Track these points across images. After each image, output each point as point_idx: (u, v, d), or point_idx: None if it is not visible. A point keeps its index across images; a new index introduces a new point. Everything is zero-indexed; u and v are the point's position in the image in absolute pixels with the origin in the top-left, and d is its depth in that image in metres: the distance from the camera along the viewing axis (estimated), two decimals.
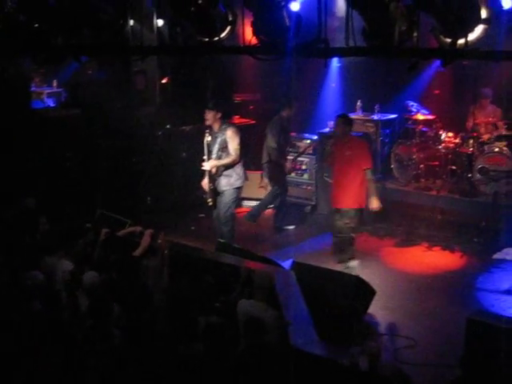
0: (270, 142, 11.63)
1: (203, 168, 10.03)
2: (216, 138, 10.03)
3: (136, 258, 7.47)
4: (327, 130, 12.96)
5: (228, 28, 6.93)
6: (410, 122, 12.94)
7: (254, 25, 6.48)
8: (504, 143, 11.82)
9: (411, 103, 12.91)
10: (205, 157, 10.02)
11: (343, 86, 14.31)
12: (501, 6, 8.59)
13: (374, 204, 10.02)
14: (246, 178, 10.40)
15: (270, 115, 12.37)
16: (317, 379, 6.30)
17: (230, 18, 6.91)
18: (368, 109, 13.35)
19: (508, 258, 10.72)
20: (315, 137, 12.96)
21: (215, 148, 10.01)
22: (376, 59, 6.30)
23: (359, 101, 13.38)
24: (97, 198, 11.22)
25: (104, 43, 7.45)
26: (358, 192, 9.90)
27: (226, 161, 10.05)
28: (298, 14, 6.60)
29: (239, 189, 10.28)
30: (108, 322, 6.21)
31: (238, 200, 10.56)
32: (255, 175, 13.25)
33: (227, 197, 10.12)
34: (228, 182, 10.09)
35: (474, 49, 5.66)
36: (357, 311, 8.10)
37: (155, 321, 6.46)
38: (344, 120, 9.92)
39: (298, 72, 13.82)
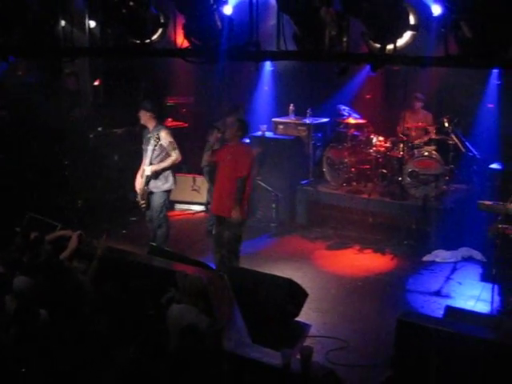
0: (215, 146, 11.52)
1: (145, 173, 9.94)
2: (149, 139, 9.96)
3: (63, 261, 7.35)
4: (259, 133, 13.02)
5: (160, 30, 6.90)
6: (341, 126, 13.03)
7: (185, 27, 6.46)
8: (433, 147, 12.02)
9: (343, 107, 13.02)
10: (147, 160, 9.95)
11: (276, 90, 14.37)
12: (431, 13, 8.77)
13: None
14: (174, 182, 10.30)
15: (202, 118, 12.36)
16: (250, 382, 6.30)
17: (162, 21, 6.89)
18: (300, 113, 13.45)
19: (437, 259, 10.93)
20: (248, 140, 12.97)
21: (149, 150, 9.93)
22: (308, 63, 6.34)
23: (291, 105, 13.47)
24: (27, 201, 11.01)
25: (34, 44, 7.32)
26: (242, 200, 9.46)
27: (166, 163, 9.99)
28: (229, 17, 6.61)
29: (168, 192, 10.20)
30: (34, 327, 6.10)
31: (168, 203, 10.46)
32: (187, 178, 13.28)
33: (157, 200, 10.06)
34: (155, 185, 10.03)
35: (403, 54, 5.75)
36: (289, 314, 8.12)
37: (86, 325, 6.38)
38: (239, 125, 9.56)
39: (231, 75, 13.83)
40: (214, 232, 9.69)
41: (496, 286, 8.43)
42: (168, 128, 10.51)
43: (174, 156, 10.01)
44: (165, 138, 9.96)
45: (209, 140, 10.79)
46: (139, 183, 10.07)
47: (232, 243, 9.45)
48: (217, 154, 9.71)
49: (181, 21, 6.71)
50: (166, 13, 7.03)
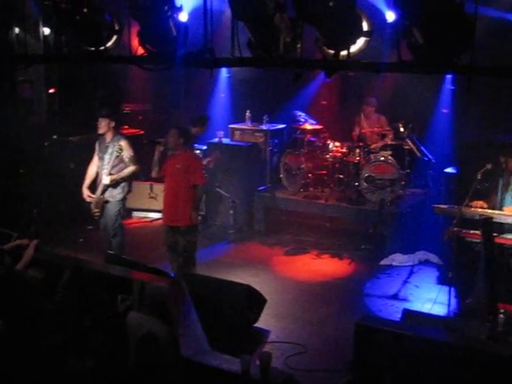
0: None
1: (104, 182, 9.86)
2: (107, 148, 9.89)
3: (19, 271, 7.26)
4: (216, 140, 13.02)
5: (114, 37, 6.86)
6: (298, 132, 13.10)
7: (140, 34, 6.43)
8: (389, 152, 12.15)
9: (299, 113, 13.09)
10: (105, 170, 9.87)
11: (233, 97, 14.42)
12: (385, 19, 8.88)
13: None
14: (129, 190, 10.24)
15: (159, 125, 12.32)
16: None
17: (117, 28, 6.85)
18: (257, 119, 13.49)
19: (394, 263, 11.02)
20: (204, 147, 12.98)
21: (106, 159, 9.87)
22: (263, 70, 6.37)
23: (248, 111, 13.50)
24: None
25: None
26: (192, 206, 9.39)
27: (126, 172, 9.93)
28: (184, 24, 6.60)
29: (123, 200, 10.12)
30: None
31: (123, 211, 10.38)
32: (145, 185, 13.22)
33: (112, 209, 9.98)
34: (111, 194, 9.95)
35: (356, 60, 5.79)
36: (248, 320, 8.13)
37: (44, 335, 6.30)
38: (178, 132, 9.37)
39: (188, 82, 13.82)
40: (167, 242, 9.59)
41: (452, 289, 8.52)
42: (126, 137, 10.40)
43: (134, 167, 9.97)
44: (127, 149, 9.90)
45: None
46: (88, 193, 9.98)
47: (188, 251, 9.41)
48: (164, 166, 9.52)
49: (136, 27, 6.68)
50: (120, 19, 6.98)
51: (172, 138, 9.28)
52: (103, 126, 9.90)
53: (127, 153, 9.92)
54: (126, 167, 9.92)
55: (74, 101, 12.77)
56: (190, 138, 9.71)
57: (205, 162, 11.70)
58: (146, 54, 6.54)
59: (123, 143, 9.91)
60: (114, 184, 9.89)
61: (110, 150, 9.85)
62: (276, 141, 13.37)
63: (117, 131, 10.10)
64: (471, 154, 9.85)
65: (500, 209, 8.78)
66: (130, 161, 9.93)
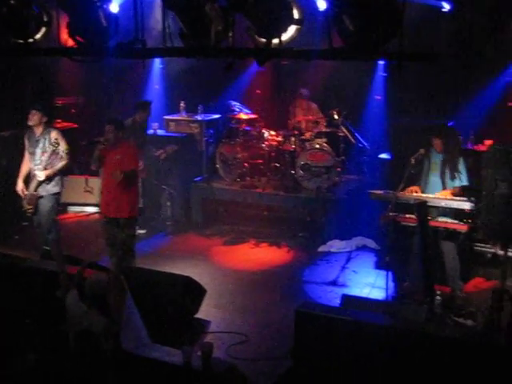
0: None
1: (38, 178, 9.68)
2: (37, 142, 9.72)
3: None
4: (151, 131, 12.92)
5: (43, 29, 6.74)
6: (233, 122, 13.08)
7: (69, 26, 6.33)
8: (324, 140, 12.23)
9: (234, 103, 13.10)
10: (38, 165, 9.69)
11: (166, 88, 14.33)
12: (316, 8, 8.91)
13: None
14: (63, 184, 10.10)
15: (93, 118, 12.17)
16: (152, 382, 6.27)
17: (45, 19, 6.72)
18: (192, 110, 13.43)
19: (332, 250, 11.13)
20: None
21: (38, 153, 9.69)
22: (197, 60, 6.34)
23: (182, 102, 13.44)
24: None
25: None
26: (131, 200, 9.36)
27: (60, 166, 9.78)
28: (115, 15, 6.52)
29: (57, 194, 9.97)
30: None
31: (58, 206, 10.24)
32: (80, 180, 13.05)
33: (46, 204, 9.82)
34: (44, 189, 9.79)
35: (288, 48, 5.80)
36: (188, 311, 8.12)
37: None
38: (115, 126, 9.24)
39: (121, 74, 13.67)
40: (106, 235, 9.49)
41: (390, 273, 8.61)
42: (58, 129, 10.24)
43: (67, 161, 9.83)
44: (62, 142, 9.75)
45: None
46: (22, 187, 9.81)
47: (127, 243, 9.33)
48: (104, 158, 9.32)
49: (65, 19, 6.57)
50: (49, 11, 6.86)
51: (111, 133, 9.15)
52: (35, 119, 9.69)
53: (63, 146, 9.77)
54: (60, 161, 9.77)
55: (3, 95, 12.50)
56: (125, 129, 9.59)
57: (157, 154, 11.61)
58: (76, 46, 6.43)
59: (57, 135, 9.74)
60: (49, 178, 9.73)
61: (40, 145, 9.68)
62: (211, 131, 13.33)
63: (48, 124, 9.91)
64: (404, 140, 9.97)
65: (428, 191, 8.91)
66: (66, 154, 9.78)
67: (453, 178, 8.82)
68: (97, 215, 12.09)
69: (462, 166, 8.84)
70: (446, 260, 8.82)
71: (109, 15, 6.42)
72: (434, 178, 8.92)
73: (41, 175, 9.65)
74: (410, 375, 6.12)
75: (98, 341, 6.06)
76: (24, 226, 11.59)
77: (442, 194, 8.73)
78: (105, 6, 6.36)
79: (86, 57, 6.74)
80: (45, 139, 9.68)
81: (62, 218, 12.35)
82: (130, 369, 6.28)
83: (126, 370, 6.23)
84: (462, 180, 8.81)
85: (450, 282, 8.89)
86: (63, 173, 9.97)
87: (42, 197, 9.78)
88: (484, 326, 7.73)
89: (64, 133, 10.31)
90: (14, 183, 9.92)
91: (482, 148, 9.98)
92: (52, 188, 9.83)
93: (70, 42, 6.55)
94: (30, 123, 9.75)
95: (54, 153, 9.68)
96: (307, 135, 12.44)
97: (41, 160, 9.68)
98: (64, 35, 6.64)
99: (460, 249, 8.87)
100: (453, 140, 8.96)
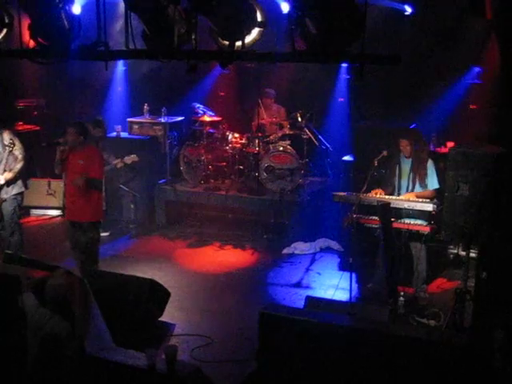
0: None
1: (0, 182, 9.60)
2: None
3: None
4: (114, 134, 12.86)
5: (4, 31, 6.66)
6: (197, 124, 13.08)
7: (31, 27, 6.27)
8: (288, 142, 12.28)
9: (197, 105, 13.07)
10: None
11: (130, 90, 14.27)
12: (280, 11, 8.95)
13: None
14: (26, 185, 10.02)
15: (55, 120, 12.07)
16: None
17: (6, 21, 6.65)
18: (155, 112, 13.39)
19: (296, 252, 11.16)
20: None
21: None
22: (160, 62, 6.32)
23: (146, 104, 13.39)
24: None
25: None
26: (95, 203, 9.24)
27: (18, 167, 9.70)
28: (77, 16, 6.47)
29: (19, 196, 9.88)
30: None
31: (20, 208, 10.14)
32: (42, 182, 12.93)
33: (7, 207, 9.74)
34: (5, 191, 9.71)
35: (251, 50, 5.81)
36: (152, 314, 8.08)
37: None
38: (76, 129, 9.10)
39: (83, 76, 13.57)
40: (70, 238, 9.42)
41: (354, 274, 8.67)
42: (9, 129, 10.08)
43: (23, 160, 9.75)
44: (17, 143, 9.66)
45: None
46: None
47: (91, 247, 9.26)
48: (66, 162, 9.20)
49: (27, 20, 6.50)
50: (10, 12, 6.78)
51: (71, 136, 9.02)
52: None
53: (19, 147, 9.69)
54: (17, 163, 9.69)
55: None
56: (88, 133, 9.49)
57: (113, 163, 11.50)
58: (37, 48, 6.37)
59: (10, 136, 9.65)
60: (9, 181, 9.65)
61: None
62: (175, 133, 13.29)
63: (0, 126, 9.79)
64: (367, 142, 10.04)
65: (398, 195, 8.99)
66: (22, 155, 9.71)
67: (422, 181, 8.88)
68: (59, 218, 12.02)
69: (432, 172, 8.90)
70: (414, 261, 8.89)
71: (71, 17, 6.35)
72: (404, 183, 8.98)
73: (1, 179, 9.56)
74: (374, 376, 6.15)
75: (60, 345, 6.01)
76: None
77: (406, 196, 8.80)
78: (67, 8, 6.29)
79: (48, 59, 6.66)
80: (9, 142, 9.58)
81: (25, 221, 12.22)
82: (93, 373, 6.24)
83: (89, 373, 6.18)
84: (433, 183, 8.88)
85: (414, 283, 8.96)
86: (24, 174, 9.87)
87: (4, 200, 9.70)
88: (447, 326, 7.81)
89: (26, 135, 10.22)
90: None
91: (443, 150, 10.09)
92: (13, 191, 9.75)
93: (32, 44, 6.48)
94: None
95: (11, 154, 9.58)
96: (271, 137, 12.47)
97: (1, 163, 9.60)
98: (26, 37, 6.56)
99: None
100: (420, 142, 9.02)
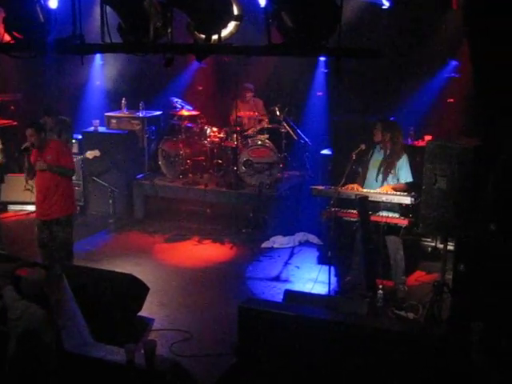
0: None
1: None
2: None
3: None
4: (92, 128, 12.81)
5: None
6: (175, 119, 13.05)
7: (6, 21, 6.21)
8: (266, 136, 12.28)
9: (175, 99, 13.05)
10: None
11: (107, 84, 14.19)
12: (257, 4, 8.93)
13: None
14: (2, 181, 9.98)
15: (32, 115, 11.99)
16: (95, 381, 6.22)
17: None
18: (133, 106, 13.34)
19: (275, 245, 11.17)
20: (80, 136, 12.75)
21: None
22: (137, 56, 6.29)
23: (123, 98, 13.34)
24: None
25: None
26: (68, 195, 9.16)
27: None
28: (53, 10, 6.42)
29: None
30: None
31: None
32: (20, 178, 12.78)
33: None
34: None
35: (227, 44, 5.80)
36: (131, 309, 8.06)
37: None
38: (35, 128, 8.91)
39: (60, 70, 13.49)
40: (40, 237, 9.18)
41: (332, 268, 8.67)
42: None
43: (1, 160, 9.72)
44: None
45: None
46: None
47: (67, 243, 9.18)
48: (34, 161, 9.04)
49: (1, 14, 6.44)
50: None
51: (34, 137, 8.84)
52: None
53: None
54: None
55: None
56: (45, 130, 9.33)
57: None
58: (13, 42, 6.32)
59: None
60: None
61: None
62: (153, 128, 13.27)
63: None
64: (346, 136, 10.05)
65: (370, 185, 8.99)
66: (1, 153, 9.67)
67: (394, 174, 8.89)
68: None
69: (405, 162, 8.91)
70: (390, 254, 8.91)
71: (47, 10, 6.32)
72: (374, 174, 8.98)
73: None
74: (353, 368, 6.18)
75: (38, 342, 5.97)
76: None
77: (383, 189, 8.81)
78: (42, 1, 6.26)
79: (23, 52, 6.61)
80: None
81: (2, 217, 12.16)
82: (72, 368, 6.22)
83: (68, 369, 6.16)
84: (407, 176, 8.89)
85: (393, 276, 8.99)
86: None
87: None
88: (425, 318, 7.85)
89: (3, 130, 10.16)
90: None
91: (421, 143, 10.11)
92: None
93: (7, 38, 6.42)
94: None
95: None
96: (249, 132, 12.47)
97: None
98: (0, 31, 6.50)
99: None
100: (396, 134, 9.02)
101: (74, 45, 5.95)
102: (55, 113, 11.66)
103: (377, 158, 9.00)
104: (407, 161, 8.91)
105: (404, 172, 8.86)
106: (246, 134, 12.43)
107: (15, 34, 6.25)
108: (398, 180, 8.87)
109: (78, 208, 12.06)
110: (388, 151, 8.93)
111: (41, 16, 6.16)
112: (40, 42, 6.17)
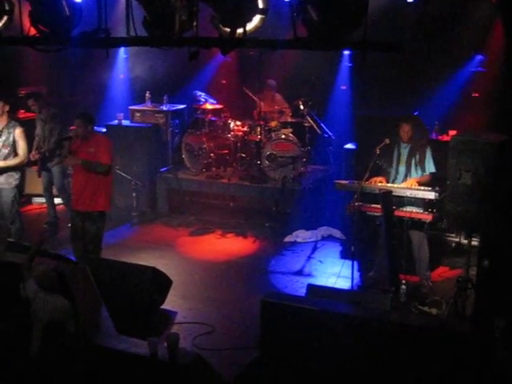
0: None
1: None
2: (0, 133, 9.67)
3: None
4: (116, 122, 12.85)
5: (5, 18, 6.64)
6: (199, 112, 13.06)
7: (32, 15, 6.25)
8: (290, 130, 12.26)
9: (199, 93, 13.07)
10: None
11: (131, 78, 14.22)
12: None
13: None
14: (22, 176, 10.08)
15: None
16: (118, 373, 6.25)
17: (7, 8, 6.62)
18: (157, 100, 13.36)
19: (298, 240, 11.15)
20: (104, 129, 12.79)
21: None
22: (162, 49, 6.29)
23: (148, 92, 13.37)
24: None
25: None
26: (106, 192, 9.18)
27: (13, 162, 9.77)
28: (78, 4, 6.46)
29: (17, 187, 9.93)
30: None
31: (19, 197, 10.17)
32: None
33: (7, 195, 9.79)
34: (7, 181, 9.76)
35: (252, 37, 5.79)
36: (154, 302, 8.11)
37: None
38: (84, 119, 9.02)
39: (85, 63, 13.53)
40: (74, 228, 9.27)
41: (355, 263, 8.68)
42: (21, 125, 10.14)
43: (22, 158, 9.82)
44: (19, 138, 9.74)
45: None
46: None
47: (98, 236, 9.20)
48: (75, 153, 9.05)
49: (27, 7, 6.48)
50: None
51: (81, 128, 8.92)
52: None
53: (21, 144, 9.77)
54: (16, 155, 9.75)
55: None
56: (93, 122, 9.38)
57: None
58: (38, 35, 6.35)
59: (18, 132, 9.76)
60: (3, 171, 9.69)
61: (3, 137, 9.65)
62: (177, 121, 13.29)
63: (12, 117, 9.85)
64: (369, 130, 10.01)
65: (395, 182, 8.96)
66: (23, 153, 9.78)
67: (419, 168, 8.86)
68: (61, 206, 12.00)
69: (429, 156, 8.88)
70: (414, 249, 8.88)
71: (72, 4, 6.35)
72: (402, 169, 8.95)
73: None
74: (376, 363, 6.16)
75: (63, 334, 6.01)
76: None
77: (408, 182, 8.78)
78: None
79: (48, 46, 6.64)
80: (9, 133, 9.68)
81: (26, 209, 12.25)
82: (95, 360, 6.25)
83: (91, 361, 6.19)
84: (430, 167, 8.84)
85: (417, 272, 8.95)
86: (16, 169, 9.93)
87: (1, 189, 9.74)
88: (448, 314, 7.81)
89: (28, 123, 10.23)
90: None
91: (446, 138, 10.07)
92: (13, 181, 9.83)
93: (33, 31, 6.46)
94: None
95: (9, 146, 9.66)
96: (273, 125, 12.45)
97: (2, 152, 9.65)
98: (26, 24, 6.54)
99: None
100: (420, 128, 8.99)
101: (100, 38, 5.97)
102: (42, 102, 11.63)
103: (402, 152, 8.96)
104: (431, 153, 8.88)
105: (428, 163, 8.83)
106: (269, 127, 12.40)
107: (41, 27, 6.28)
108: (424, 171, 8.83)
109: None
110: (413, 145, 8.89)
111: (66, 9, 6.18)
112: (65, 35, 6.20)
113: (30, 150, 10.32)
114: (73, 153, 9.05)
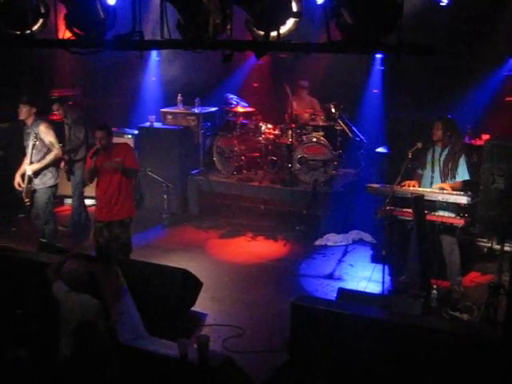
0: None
1: (27, 173, 9.72)
2: (29, 134, 9.78)
3: None
4: (148, 124, 12.92)
5: (40, 21, 6.70)
6: (230, 115, 13.08)
7: (67, 18, 6.30)
8: (321, 133, 12.23)
9: (231, 96, 13.09)
10: (27, 159, 9.75)
11: (164, 80, 14.30)
12: (315, 1, 8.91)
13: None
14: (59, 176, 10.14)
15: (89, 110, 12.15)
16: (148, 374, 6.27)
17: (42, 11, 6.68)
18: (189, 102, 13.42)
19: (329, 243, 11.13)
20: (136, 131, 12.87)
21: (29, 146, 9.73)
22: (194, 52, 6.32)
23: (179, 94, 13.42)
24: None
25: None
26: (130, 196, 9.21)
27: (47, 160, 9.83)
28: (112, 7, 6.51)
29: (53, 187, 10.01)
30: None
31: (55, 198, 10.26)
32: None
33: (41, 196, 9.88)
34: (41, 181, 9.85)
35: (286, 41, 5.79)
36: (185, 303, 8.13)
37: None
38: (108, 131, 8.95)
39: (118, 66, 13.62)
40: (101, 239, 9.04)
41: (386, 267, 8.63)
42: (48, 122, 10.22)
43: (55, 152, 9.87)
44: (45, 133, 9.80)
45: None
46: (19, 181, 9.85)
47: (129, 244, 9.23)
48: (100, 163, 8.97)
49: (63, 10, 6.53)
50: (46, 2, 6.82)
51: (105, 139, 8.85)
52: (24, 112, 9.82)
53: (46, 138, 9.81)
54: (49, 152, 9.82)
55: (0, 87, 12.48)
56: (112, 133, 9.27)
57: None
58: (73, 38, 6.40)
59: (41, 128, 9.81)
60: (40, 171, 9.77)
61: (31, 137, 9.74)
62: (208, 124, 13.34)
63: (37, 117, 9.92)
64: (402, 133, 9.97)
65: (428, 185, 8.90)
66: (52, 146, 9.82)
67: (453, 173, 8.79)
68: (93, 208, 12.07)
69: (463, 160, 8.81)
70: (445, 254, 8.82)
71: (106, 7, 6.40)
72: (436, 174, 8.89)
73: (28, 170, 9.72)
74: (406, 369, 6.13)
75: (93, 335, 6.03)
76: (21, 217, 11.62)
77: (440, 186, 8.71)
78: None
79: (83, 49, 6.69)
80: (35, 133, 9.77)
81: (59, 210, 12.33)
82: (126, 361, 6.28)
83: (122, 362, 6.23)
84: (464, 175, 8.78)
85: (448, 277, 8.89)
86: (54, 164, 9.99)
87: (35, 190, 9.83)
88: (480, 320, 7.75)
89: (60, 125, 10.31)
90: (11, 174, 9.95)
91: (479, 142, 9.99)
92: (48, 181, 9.90)
93: (68, 34, 6.52)
94: (21, 117, 9.85)
95: (38, 145, 9.72)
96: (306, 117, 12.44)
97: (31, 153, 9.75)
98: (61, 27, 6.60)
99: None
100: (455, 132, 8.92)
101: (134, 41, 6.00)
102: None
103: (435, 156, 8.90)
104: (465, 159, 8.81)
105: (462, 170, 8.76)
106: (300, 131, 12.37)
107: (76, 30, 6.32)
108: (455, 178, 8.76)
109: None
110: (447, 149, 8.83)
111: (101, 12, 6.23)
112: (100, 38, 6.24)
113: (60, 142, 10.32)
114: (98, 167, 8.97)
